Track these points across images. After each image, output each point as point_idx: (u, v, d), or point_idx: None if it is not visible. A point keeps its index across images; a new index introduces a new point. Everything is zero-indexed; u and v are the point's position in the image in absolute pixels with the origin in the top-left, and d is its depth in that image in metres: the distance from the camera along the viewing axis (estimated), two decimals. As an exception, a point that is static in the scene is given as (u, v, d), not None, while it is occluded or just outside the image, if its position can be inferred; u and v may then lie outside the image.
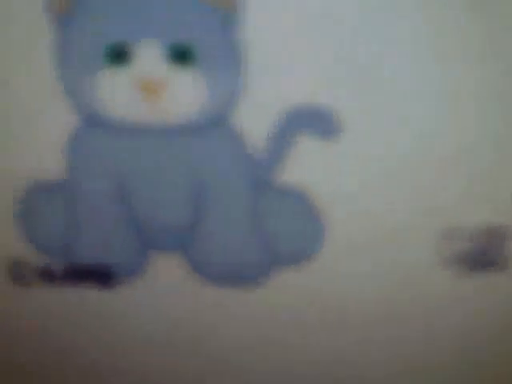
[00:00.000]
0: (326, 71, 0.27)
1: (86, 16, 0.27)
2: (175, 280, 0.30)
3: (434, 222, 0.29)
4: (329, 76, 0.27)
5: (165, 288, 0.30)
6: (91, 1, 0.26)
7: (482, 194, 0.29)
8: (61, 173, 0.28)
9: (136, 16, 0.26)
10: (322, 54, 0.27)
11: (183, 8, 0.26)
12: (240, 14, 0.26)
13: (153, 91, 0.27)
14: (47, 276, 0.30)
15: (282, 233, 0.29)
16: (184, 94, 0.27)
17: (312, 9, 0.26)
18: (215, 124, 0.27)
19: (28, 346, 0.32)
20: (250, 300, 0.31)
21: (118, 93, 0.27)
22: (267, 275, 0.30)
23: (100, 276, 0.30)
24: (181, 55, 0.27)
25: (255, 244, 0.30)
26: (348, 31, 0.27)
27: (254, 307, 0.31)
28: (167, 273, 0.30)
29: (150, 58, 0.27)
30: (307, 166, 0.28)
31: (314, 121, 0.28)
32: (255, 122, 0.27)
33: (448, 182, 0.29)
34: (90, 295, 0.31)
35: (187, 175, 0.28)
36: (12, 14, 0.27)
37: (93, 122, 0.28)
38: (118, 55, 0.27)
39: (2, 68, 0.27)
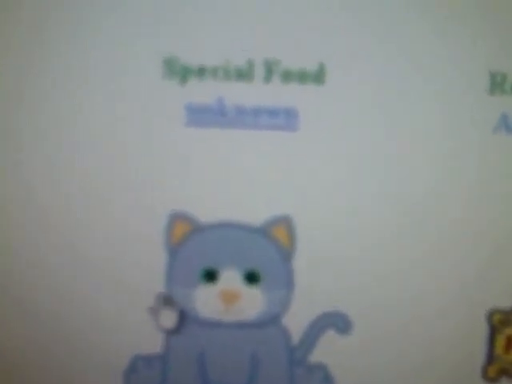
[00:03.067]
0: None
1: (189, 248, 0.40)
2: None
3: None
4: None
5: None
6: (194, 237, 0.39)
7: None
8: (159, 349, 0.41)
9: (223, 249, 0.39)
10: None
11: (256, 244, 0.39)
12: (293, 251, 0.40)
13: (231, 301, 0.40)
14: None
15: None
16: (251, 303, 0.40)
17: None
18: (271, 322, 0.40)
19: None
20: None
21: (207, 301, 0.40)
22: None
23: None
24: (252, 277, 0.40)
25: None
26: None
27: None
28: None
29: (231, 278, 0.40)
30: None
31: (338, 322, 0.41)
32: (298, 321, 0.41)
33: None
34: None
35: (248, 354, 0.41)
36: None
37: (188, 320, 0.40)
38: (210, 276, 0.40)
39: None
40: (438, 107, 0.39)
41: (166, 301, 0.40)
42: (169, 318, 0.40)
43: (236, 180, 0.39)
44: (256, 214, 0.39)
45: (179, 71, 0.38)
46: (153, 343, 0.41)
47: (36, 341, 0.42)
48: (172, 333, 0.40)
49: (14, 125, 0.39)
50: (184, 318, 0.40)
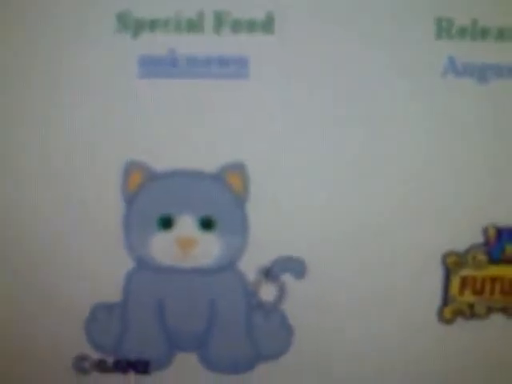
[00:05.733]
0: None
1: (145, 196, 0.40)
2: (192, 371, 0.44)
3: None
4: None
5: (184, 376, 0.44)
6: (149, 185, 0.40)
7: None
8: (118, 296, 0.42)
9: (178, 196, 0.40)
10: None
11: (211, 191, 0.40)
12: (247, 197, 0.40)
13: (187, 247, 0.40)
14: (102, 367, 0.43)
15: (263, 339, 0.43)
16: (207, 249, 0.41)
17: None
18: (226, 268, 0.41)
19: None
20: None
21: (163, 247, 0.41)
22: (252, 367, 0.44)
23: (139, 367, 0.43)
24: (207, 224, 0.40)
25: (247, 347, 0.43)
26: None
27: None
28: (187, 365, 0.43)
29: (186, 225, 0.40)
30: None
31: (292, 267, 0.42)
32: (253, 267, 0.41)
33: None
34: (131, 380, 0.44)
35: (205, 299, 0.42)
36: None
37: (144, 266, 0.41)
38: (166, 223, 0.40)
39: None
40: (386, 54, 0.39)
41: (267, 273, 0.41)
42: (269, 292, 0.42)
43: (190, 129, 0.40)
44: (210, 161, 0.40)
45: (132, 25, 0.39)
46: (112, 291, 0.42)
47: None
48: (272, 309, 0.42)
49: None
50: (283, 292, 0.41)
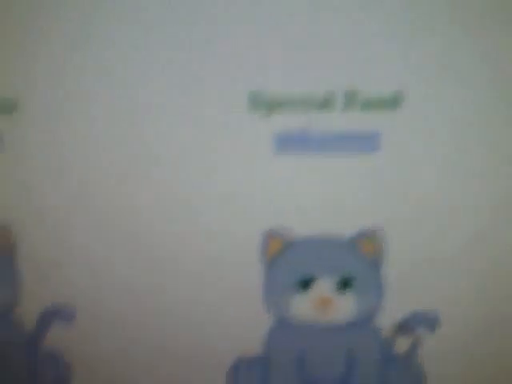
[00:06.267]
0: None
1: (285, 261, 0.42)
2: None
3: None
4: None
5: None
6: (289, 251, 0.42)
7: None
8: (261, 351, 0.44)
9: (318, 260, 0.42)
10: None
11: (346, 255, 0.42)
12: (383, 260, 0.42)
13: (325, 305, 0.42)
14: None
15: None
16: (344, 307, 0.43)
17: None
18: (364, 324, 0.43)
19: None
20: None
21: (303, 307, 0.43)
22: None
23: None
24: (344, 284, 0.42)
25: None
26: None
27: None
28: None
29: (325, 286, 0.42)
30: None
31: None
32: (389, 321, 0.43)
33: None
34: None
35: (343, 350, 0.44)
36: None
37: (284, 324, 0.43)
38: (306, 285, 0.42)
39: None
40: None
41: (402, 327, 0.43)
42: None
43: (326, 199, 0.42)
44: (345, 227, 0.42)
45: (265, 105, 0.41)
46: (254, 347, 0.44)
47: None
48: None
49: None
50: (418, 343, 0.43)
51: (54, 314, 0.45)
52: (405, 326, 0.43)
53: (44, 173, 0.45)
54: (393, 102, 0.40)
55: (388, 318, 0.43)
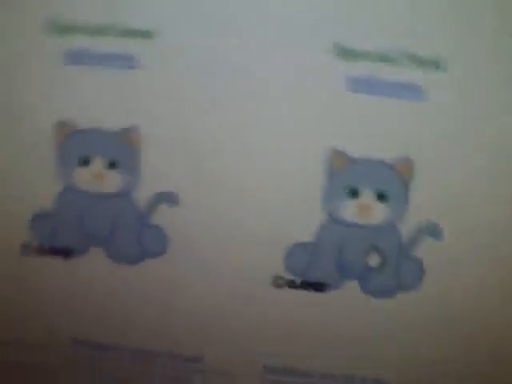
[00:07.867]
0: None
1: (342, 176, 0.59)
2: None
3: None
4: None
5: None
6: (347, 168, 0.58)
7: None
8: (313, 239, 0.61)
9: (365, 176, 0.58)
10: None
11: (384, 175, 0.58)
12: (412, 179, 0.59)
13: (366, 211, 0.59)
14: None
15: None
16: (380, 214, 0.59)
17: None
18: (389, 227, 0.60)
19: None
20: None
21: (350, 210, 0.59)
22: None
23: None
24: (381, 196, 0.59)
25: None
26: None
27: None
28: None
29: (366, 196, 0.59)
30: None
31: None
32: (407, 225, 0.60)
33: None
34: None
35: (372, 247, 0.61)
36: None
37: (333, 221, 0.60)
38: (353, 194, 0.59)
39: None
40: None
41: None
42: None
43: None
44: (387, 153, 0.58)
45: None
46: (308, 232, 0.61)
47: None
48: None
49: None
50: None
51: (161, 198, 0.61)
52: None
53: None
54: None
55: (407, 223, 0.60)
